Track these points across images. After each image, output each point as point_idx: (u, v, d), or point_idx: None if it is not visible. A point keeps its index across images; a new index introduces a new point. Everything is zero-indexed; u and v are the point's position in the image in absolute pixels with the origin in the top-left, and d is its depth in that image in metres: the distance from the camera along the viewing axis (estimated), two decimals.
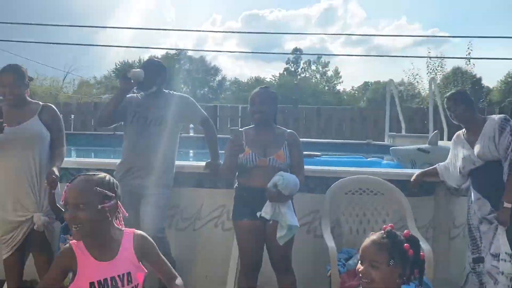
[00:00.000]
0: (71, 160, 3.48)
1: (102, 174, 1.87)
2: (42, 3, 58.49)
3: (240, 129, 2.80)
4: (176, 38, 71.64)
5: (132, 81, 3.08)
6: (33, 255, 2.99)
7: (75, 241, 1.84)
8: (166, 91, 3.36)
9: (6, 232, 2.86)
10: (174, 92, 3.39)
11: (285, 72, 46.15)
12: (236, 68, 69.84)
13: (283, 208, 2.64)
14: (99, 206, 1.75)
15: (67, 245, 1.89)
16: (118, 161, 3.30)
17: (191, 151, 8.55)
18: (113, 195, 1.82)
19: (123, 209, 1.91)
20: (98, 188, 1.77)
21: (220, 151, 3.35)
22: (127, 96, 3.20)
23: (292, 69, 46.80)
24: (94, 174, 1.84)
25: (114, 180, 1.90)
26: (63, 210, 2.01)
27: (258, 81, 42.76)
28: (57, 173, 2.75)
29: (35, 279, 3.16)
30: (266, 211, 2.64)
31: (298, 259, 2.94)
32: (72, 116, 13.49)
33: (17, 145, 2.82)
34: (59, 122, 3.04)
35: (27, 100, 2.99)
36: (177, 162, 3.36)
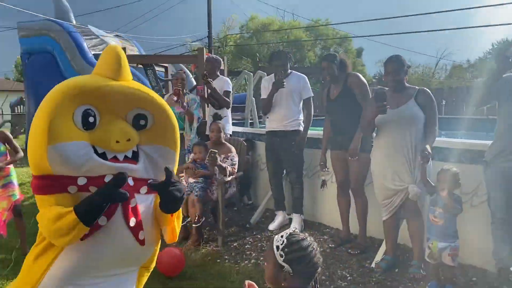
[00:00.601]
0: (442, 140, 3.71)
1: None
2: None
3: None
4: None
5: None
6: (406, 221, 3.46)
7: None
8: None
9: (386, 197, 3.42)
10: None
11: None
12: None
13: None
14: None
15: None
16: (489, 142, 3.29)
17: None
18: None
19: None
20: None
21: None
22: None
23: None
24: None
25: None
26: None
27: None
28: (429, 150, 3.06)
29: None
30: None
31: None
32: (444, 102, 13.65)
33: (396, 124, 3.31)
34: (432, 104, 3.33)
35: (405, 85, 3.43)
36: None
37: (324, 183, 4.26)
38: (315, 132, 4.78)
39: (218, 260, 3.92)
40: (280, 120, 4.46)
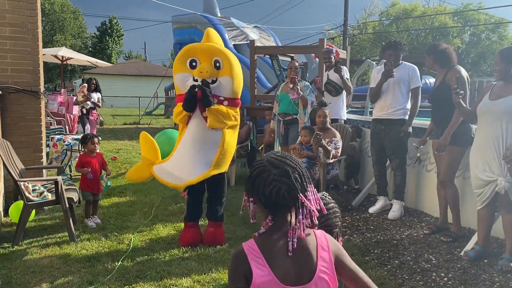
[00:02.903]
0: None
1: None
2: None
3: None
4: None
5: None
6: (501, 214, 3.43)
7: None
8: None
9: (478, 187, 3.44)
10: None
11: None
12: None
13: None
14: None
15: None
16: None
17: None
18: None
19: None
20: None
21: None
22: None
23: None
24: None
25: None
26: None
27: None
28: None
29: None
30: None
31: None
32: None
33: (492, 115, 3.31)
34: None
35: None
36: None
37: (418, 159, 4.46)
38: (420, 121, 4.83)
39: None
40: (386, 108, 4.64)
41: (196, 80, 3.64)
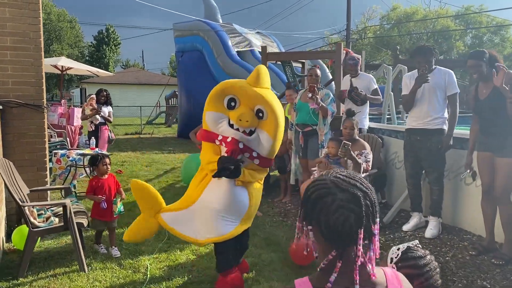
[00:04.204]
0: None
1: None
2: None
3: None
4: None
5: None
6: None
7: None
8: None
9: None
10: None
11: None
12: None
13: None
14: None
15: None
16: None
17: None
18: None
19: None
20: None
21: None
22: None
23: None
24: None
25: None
26: None
27: None
28: None
29: None
30: None
31: None
32: None
33: None
34: None
35: None
36: None
37: (475, 174, 3.94)
38: (458, 131, 4.47)
39: None
40: (421, 117, 4.29)
41: (232, 126, 2.99)
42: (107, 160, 4.12)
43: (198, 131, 5.79)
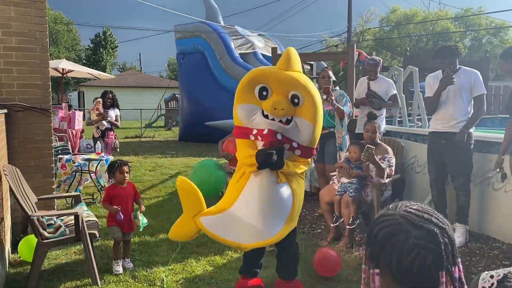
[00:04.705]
0: None
1: None
2: None
3: None
4: None
5: None
6: None
7: None
8: None
9: None
10: None
11: None
12: None
13: None
14: None
15: None
16: None
17: None
18: None
19: None
20: None
21: None
22: None
23: None
24: None
25: None
26: None
27: None
28: None
29: None
30: None
31: None
32: None
33: None
34: None
35: None
36: None
37: (505, 176, 3.76)
38: (485, 134, 4.29)
39: None
40: (446, 120, 4.11)
41: (266, 116, 2.71)
42: (125, 168, 3.79)
43: (226, 141, 5.54)
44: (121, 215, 3.64)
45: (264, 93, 2.73)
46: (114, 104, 7.03)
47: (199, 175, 5.45)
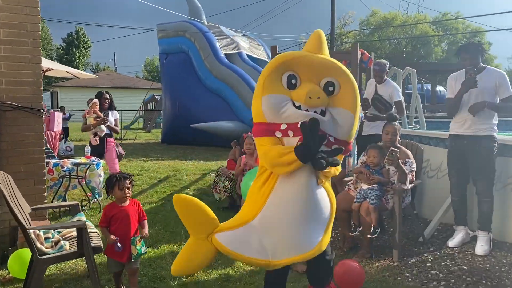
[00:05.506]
0: None
1: None
2: None
3: None
4: None
5: None
6: None
7: None
8: None
9: None
10: None
11: None
12: None
13: None
14: None
15: None
16: None
17: None
18: None
19: None
20: None
21: None
22: None
23: None
24: None
25: None
26: None
27: None
28: None
29: None
30: None
31: None
32: None
33: None
34: None
35: None
36: None
37: None
38: (508, 137, 4.14)
39: (399, 278, 3.53)
40: (467, 124, 3.93)
41: (299, 107, 2.31)
42: (127, 183, 3.13)
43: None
44: (119, 245, 3.01)
45: (293, 81, 2.35)
46: (111, 106, 6.15)
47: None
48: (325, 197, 2.44)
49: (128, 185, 3.14)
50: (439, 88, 11.64)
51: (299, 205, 2.34)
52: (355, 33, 30.25)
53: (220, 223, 2.49)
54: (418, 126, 7.28)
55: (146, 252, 3.21)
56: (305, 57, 2.34)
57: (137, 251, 3.03)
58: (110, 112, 6.03)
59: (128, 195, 3.15)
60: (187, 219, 2.48)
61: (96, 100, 5.96)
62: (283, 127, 2.30)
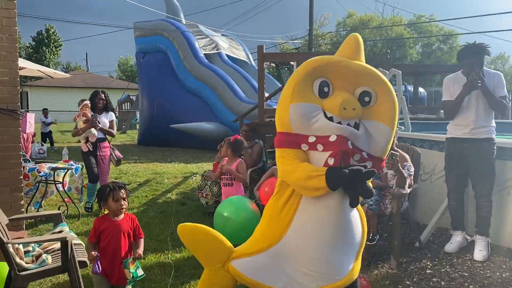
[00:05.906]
0: None
1: None
2: None
3: None
4: None
5: None
6: None
7: None
8: None
9: None
10: None
11: None
12: None
13: None
14: None
15: None
16: None
17: None
18: None
19: None
20: None
21: None
22: None
23: None
24: None
25: None
26: None
27: None
28: None
29: None
30: None
31: None
32: None
33: None
34: None
35: None
36: None
37: None
38: (506, 140, 4.08)
39: (400, 286, 3.41)
40: (466, 126, 3.85)
41: (331, 119, 2.05)
42: (122, 193, 2.84)
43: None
44: (99, 266, 2.70)
45: (326, 89, 2.09)
46: (107, 108, 5.66)
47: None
48: (358, 221, 2.21)
49: (124, 196, 2.87)
50: (420, 89, 11.73)
51: (329, 230, 2.08)
52: (331, 35, 30.48)
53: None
54: (403, 128, 7.22)
55: (144, 275, 2.86)
56: (341, 62, 2.08)
57: (131, 275, 2.72)
58: (104, 114, 5.58)
59: (124, 206, 2.88)
60: (197, 250, 2.28)
61: (87, 102, 5.50)
62: (311, 139, 2.06)
